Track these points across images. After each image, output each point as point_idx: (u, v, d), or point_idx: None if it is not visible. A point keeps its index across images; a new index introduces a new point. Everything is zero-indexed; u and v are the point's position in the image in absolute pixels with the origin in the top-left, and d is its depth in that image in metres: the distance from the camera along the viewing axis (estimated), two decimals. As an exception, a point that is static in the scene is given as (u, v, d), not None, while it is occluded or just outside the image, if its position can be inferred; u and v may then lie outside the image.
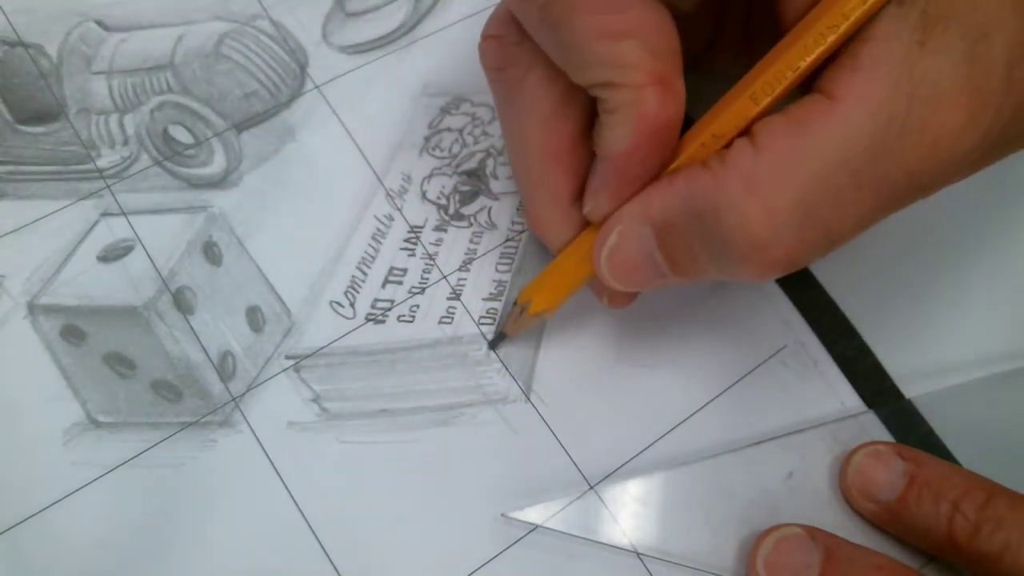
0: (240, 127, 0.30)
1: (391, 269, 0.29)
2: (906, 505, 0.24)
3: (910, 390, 0.28)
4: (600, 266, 0.23)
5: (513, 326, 0.27)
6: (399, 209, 0.29)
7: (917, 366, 0.28)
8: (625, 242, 0.23)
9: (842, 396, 0.28)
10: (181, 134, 0.30)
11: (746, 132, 0.21)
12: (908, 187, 0.20)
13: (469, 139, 0.31)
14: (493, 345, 0.27)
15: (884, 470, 0.25)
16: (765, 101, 0.21)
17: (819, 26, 0.20)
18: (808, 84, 0.21)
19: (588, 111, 0.24)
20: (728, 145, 0.21)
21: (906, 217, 0.30)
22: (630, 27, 0.20)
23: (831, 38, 0.20)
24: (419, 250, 0.29)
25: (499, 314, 0.28)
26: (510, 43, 0.24)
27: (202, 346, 0.27)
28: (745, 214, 0.20)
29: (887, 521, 0.25)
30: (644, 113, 0.21)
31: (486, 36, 0.25)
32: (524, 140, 0.25)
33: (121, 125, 0.30)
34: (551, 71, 0.23)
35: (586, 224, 0.25)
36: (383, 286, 0.28)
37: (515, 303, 0.26)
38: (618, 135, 0.21)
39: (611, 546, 0.25)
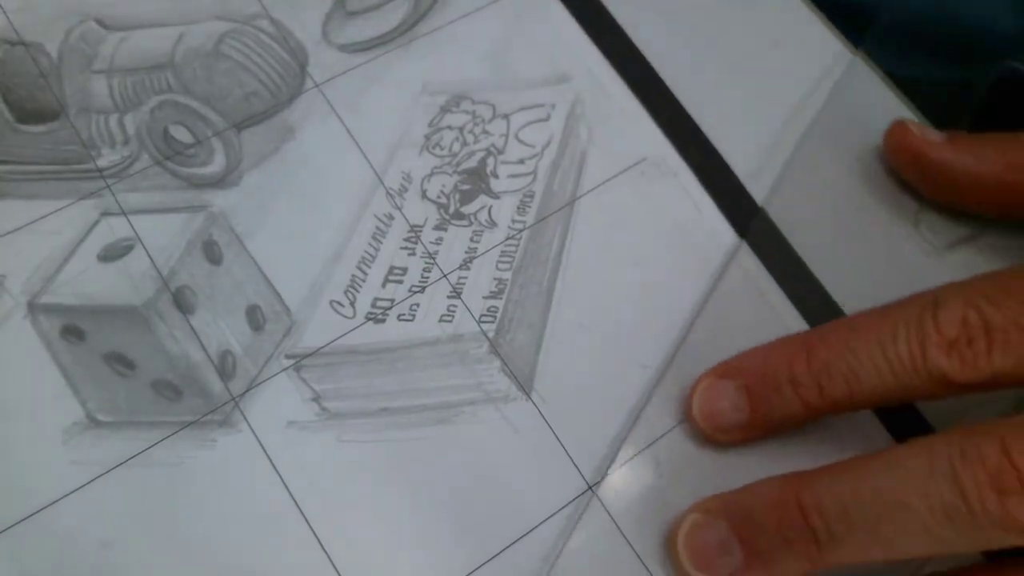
0: (240, 126, 0.30)
1: (391, 268, 0.28)
2: (757, 413, 0.25)
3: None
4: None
5: None
6: (399, 208, 0.29)
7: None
8: None
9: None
10: (181, 133, 0.30)
11: None
12: None
13: (470, 137, 0.31)
14: None
15: (723, 399, 0.25)
16: None
17: None
18: None
19: None
20: None
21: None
22: None
23: None
24: (419, 249, 0.29)
25: None
26: None
27: (202, 345, 0.27)
28: None
29: (750, 437, 0.26)
30: None
31: None
32: None
33: (121, 124, 0.30)
34: None
35: None
36: (383, 285, 0.28)
37: None
38: None
39: (610, 546, 0.25)
